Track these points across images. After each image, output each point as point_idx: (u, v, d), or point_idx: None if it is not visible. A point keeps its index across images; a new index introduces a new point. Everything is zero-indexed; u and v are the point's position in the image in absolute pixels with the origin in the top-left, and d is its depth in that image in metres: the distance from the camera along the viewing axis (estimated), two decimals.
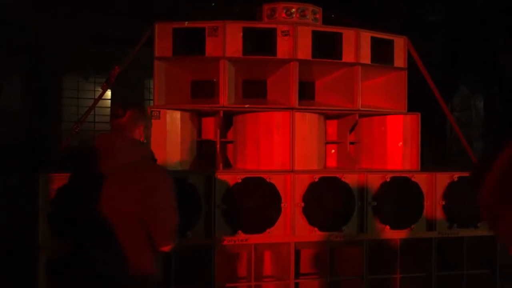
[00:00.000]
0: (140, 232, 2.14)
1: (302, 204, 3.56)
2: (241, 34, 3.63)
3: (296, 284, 3.63)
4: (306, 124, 3.86)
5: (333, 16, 4.01)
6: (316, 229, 3.57)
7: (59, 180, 3.25)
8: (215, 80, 3.77)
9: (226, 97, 3.65)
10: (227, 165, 4.09)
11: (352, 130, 4.19)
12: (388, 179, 3.70)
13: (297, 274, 3.65)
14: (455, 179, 3.83)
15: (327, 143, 4.26)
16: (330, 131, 4.38)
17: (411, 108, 4.04)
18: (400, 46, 4.00)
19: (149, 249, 2.17)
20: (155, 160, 2.32)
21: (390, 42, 3.97)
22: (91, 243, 2.18)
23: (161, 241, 2.16)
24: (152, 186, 2.13)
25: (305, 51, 3.70)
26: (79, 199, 2.19)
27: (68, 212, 2.25)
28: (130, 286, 2.19)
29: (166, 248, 2.18)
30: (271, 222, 3.51)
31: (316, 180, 3.57)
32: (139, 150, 2.23)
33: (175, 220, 2.18)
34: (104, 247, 2.15)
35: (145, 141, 2.35)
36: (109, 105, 13.50)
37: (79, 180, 2.22)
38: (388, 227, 3.70)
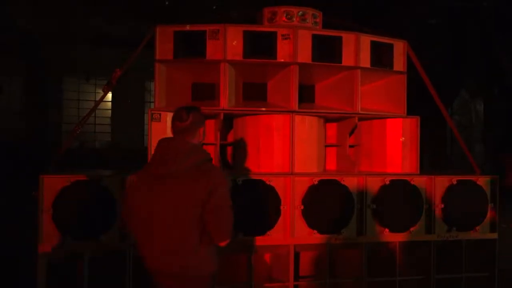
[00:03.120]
0: (199, 230, 2.29)
1: (302, 207, 3.57)
2: (241, 37, 3.65)
3: (296, 286, 3.64)
4: (306, 127, 3.88)
5: (333, 20, 4.02)
6: (315, 231, 3.58)
7: (60, 181, 3.28)
8: (215, 83, 3.78)
9: (226, 100, 3.67)
10: (227, 167, 4.10)
11: (351, 133, 4.21)
12: (387, 182, 3.71)
13: (297, 276, 3.66)
14: (454, 183, 3.84)
15: (326, 146, 4.28)
16: (330, 134, 4.40)
17: (411, 111, 4.05)
18: (400, 50, 4.02)
19: (207, 245, 2.33)
20: (211, 160, 2.47)
21: (390, 46, 3.99)
22: (154, 239, 2.31)
23: (219, 237, 2.32)
24: (212, 187, 2.28)
25: (305, 54, 3.72)
26: (145, 199, 2.32)
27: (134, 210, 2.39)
28: (190, 280, 2.33)
29: (224, 243, 2.34)
30: (271, 225, 3.53)
31: (316, 182, 3.59)
32: (199, 154, 2.38)
33: (231, 218, 2.36)
34: (166, 243, 2.29)
35: (203, 141, 2.54)
36: (110, 107, 13.55)
37: (145, 181, 2.35)
38: (387, 230, 3.71)
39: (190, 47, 3.68)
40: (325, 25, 4.02)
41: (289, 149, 3.72)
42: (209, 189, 2.26)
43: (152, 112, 3.64)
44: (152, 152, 2.43)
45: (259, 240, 3.51)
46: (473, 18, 9.42)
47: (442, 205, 3.82)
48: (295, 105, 3.73)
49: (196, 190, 2.26)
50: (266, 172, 3.68)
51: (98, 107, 4.18)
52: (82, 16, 10.15)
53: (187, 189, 2.27)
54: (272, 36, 3.70)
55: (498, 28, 9.09)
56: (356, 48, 3.83)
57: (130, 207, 2.39)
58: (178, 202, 2.26)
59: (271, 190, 3.53)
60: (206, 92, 3.96)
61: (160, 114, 3.65)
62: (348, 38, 3.82)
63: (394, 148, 4.04)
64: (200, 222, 2.28)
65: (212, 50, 3.66)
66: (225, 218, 2.32)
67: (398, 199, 3.74)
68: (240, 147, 3.95)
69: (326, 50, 3.77)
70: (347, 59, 3.82)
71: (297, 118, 3.77)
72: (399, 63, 4.01)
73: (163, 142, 2.42)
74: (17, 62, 10.91)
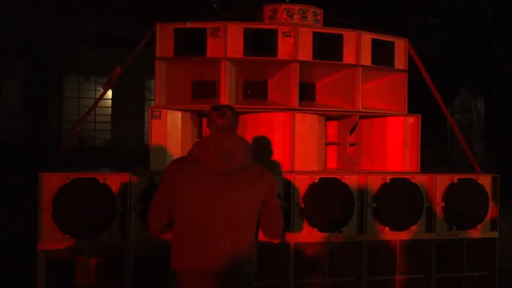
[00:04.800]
0: (255, 228, 2.37)
1: (302, 205, 3.56)
2: (242, 35, 3.64)
3: (296, 285, 3.63)
4: (307, 125, 3.87)
5: (333, 19, 4.01)
6: (315, 230, 3.58)
7: (59, 179, 3.27)
8: (216, 80, 3.77)
9: (227, 98, 3.66)
10: None
11: (352, 131, 4.20)
12: (388, 181, 3.71)
13: (297, 274, 3.65)
14: (455, 181, 3.83)
15: (327, 144, 4.27)
16: (331, 132, 4.39)
17: (412, 110, 4.04)
18: (401, 48, 4.01)
19: (255, 242, 2.39)
20: None
21: (391, 44, 3.98)
22: (213, 236, 2.28)
23: (275, 234, 2.44)
24: (272, 187, 2.39)
25: (306, 52, 3.71)
26: (206, 195, 2.29)
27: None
28: (240, 278, 2.33)
29: (278, 240, 2.48)
30: None
31: (316, 181, 3.58)
32: (252, 154, 2.40)
33: (282, 217, 2.48)
34: (227, 241, 2.28)
35: None
36: (110, 105, 13.54)
37: (204, 176, 2.30)
38: (387, 228, 3.70)
39: (191, 45, 3.67)
40: (326, 23, 4.01)
41: (289, 147, 3.72)
42: (271, 188, 2.37)
43: (153, 109, 3.63)
44: (192, 147, 2.39)
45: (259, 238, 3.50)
46: (473, 17, 9.42)
47: (443, 204, 3.81)
48: (295, 103, 3.72)
49: (261, 189, 2.33)
50: None
51: (98, 105, 4.17)
52: (82, 15, 10.14)
53: (252, 187, 2.31)
54: (272, 34, 3.69)
55: (498, 27, 9.08)
56: (357, 46, 3.82)
57: (182, 201, 2.28)
58: (243, 200, 2.29)
59: None
60: (207, 90, 3.94)
61: (160, 112, 3.64)
62: (349, 36, 3.81)
63: (394, 147, 4.03)
64: (257, 221, 2.36)
65: (212, 47, 3.65)
66: (280, 217, 2.44)
67: (399, 198, 3.73)
68: None
69: (327, 48, 3.77)
70: (348, 57, 3.81)
71: (298, 116, 3.76)
72: (400, 61, 4.00)
73: (217, 137, 2.33)
74: (17, 61, 10.89)
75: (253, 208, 2.32)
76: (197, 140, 2.45)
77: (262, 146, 3.79)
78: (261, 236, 2.44)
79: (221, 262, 2.24)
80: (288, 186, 3.56)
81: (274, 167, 3.73)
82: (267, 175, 2.40)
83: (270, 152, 3.79)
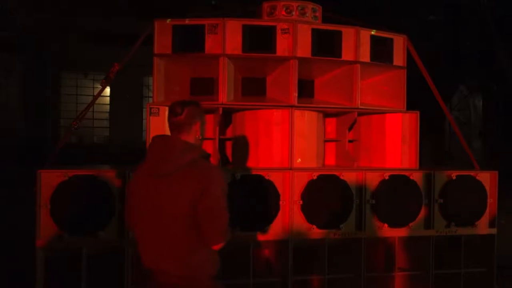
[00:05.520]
0: (194, 232, 2.19)
1: (301, 202, 3.56)
2: (240, 31, 3.62)
3: (295, 282, 3.63)
4: (305, 122, 3.86)
5: (332, 16, 4.00)
6: (314, 226, 3.58)
7: (57, 176, 3.26)
8: (214, 77, 3.76)
9: (225, 95, 3.65)
10: (226, 162, 4.09)
11: (351, 128, 4.20)
12: (386, 177, 3.71)
13: (295, 271, 3.65)
14: (454, 178, 3.84)
15: (326, 141, 4.27)
16: (329, 129, 4.38)
17: (410, 106, 4.04)
18: (400, 44, 4.00)
19: (203, 247, 2.25)
20: (209, 156, 2.39)
21: (390, 41, 3.97)
22: (152, 239, 2.25)
23: (212, 240, 2.22)
24: (204, 187, 2.17)
25: (304, 49, 3.70)
26: (142, 199, 2.27)
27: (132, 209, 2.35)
28: (188, 281, 2.23)
29: (217, 247, 2.24)
30: (270, 220, 3.52)
31: (315, 177, 3.58)
32: (194, 152, 2.28)
33: (225, 220, 2.23)
34: (160, 246, 2.22)
35: (201, 137, 2.41)
36: (108, 102, 13.53)
37: (141, 180, 2.29)
38: (386, 225, 3.71)
39: (189, 42, 3.65)
40: (325, 20, 4.00)
41: (288, 144, 3.71)
42: (201, 189, 2.15)
43: (151, 106, 3.62)
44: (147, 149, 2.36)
45: (258, 235, 3.50)
46: (472, 14, 9.41)
47: (441, 201, 3.81)
48: (294, 99, 3.71)
49: (187, 190, 2.16)
50: (265, 167, 3.67)
51: (96, 102, 4.16)
52: (80, 12, 10.10)
53: (180, 188, 2.17)
54: (271, 30, 3.68)
55: (497, 24, 9.07)
56: (356, 42, 3.81)
57: (130, 206, 2.35)
58: (172, 202, 2.18)
59: (270, 185, 3.52)
60: (205, 86, 3.93)
61: (158, 109, 3.64)
62: (348, 33, 3.80)
63: (393, 143, 4.03)
64: (196, 224, 2.18)
65: (211, 44, 3.63)
66: (217, 220, 2.20)
67: (397, 194, 3.73)
68: (239, 142, 3.94)
69: (326, 45, 3.75)
70: (347, 53, 3.80)
71: (296, 112, 3.75)
72: (399, 57, 3.99)
73: (156, 139, 2.33)
74: (14, 58, 10.86)
75: (184, 210, 2.16)
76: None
77: (260, 143, 3.79)
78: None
79: (163, 264, 2.22)
80: (287, 183, 3.56)
81: (273, 163, 3.73)
82: (201, 174, 2.20)
83: (269, 149, 3.79)
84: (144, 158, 2.34)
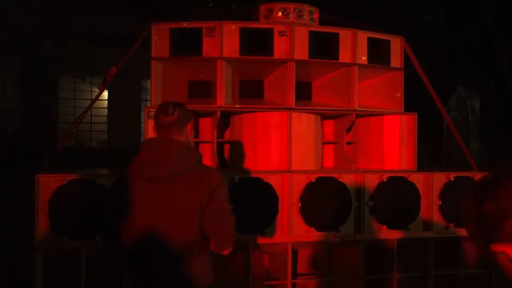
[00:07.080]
0: (198, 238, 2.16)
1: (299, 204, 3.56)
2: (238, 34, 3.62)
3: (293, 284, 3.63)
4: (303, 124, 3.87)
5: (330, 17, 4.01)
6: (313, 229, 3.58)
7: (55, 180, 3.25)
8: (212, 80, 3.76)
9: (223, 98, 3.65)
10: (224, 165, 4.09)
11: (349, 130, 4.20)
12: (385, 179, 3.71)
13: (294, 274, 3.65)
14: (452, 179, 3.84)
15: (324, 143, 4.27)
16: (327, 131, 4.39)
17: (408, 108, 4.04)
18: (397, 46, 4.01)
19: (206, 255, 2.21)
20: (201, 156, 2.34)
21: (387, 43, 3.98)
22: (149, 248, 2.17)
23: (221, 244, 2.17)
24: (212, 191, 2.14)
25: (302, 51, 3.70)
26: (140, 205, 2.18)
27: (122, 218, 2.24)
28: None
29: (226, 251, 2.19)
30: (268, 223, 3.51)
31: (313, 180, 3.58)
32: (193, 155, 2.24)
33: (233, 223, 2.21)
34: (162, 252, 2.15)
35: (190, 139, 2.38)
36: (106, 106, 13.51)
37: (138, 186, 2.19)
38: (385, 227, 3.71)
39: (186, 45, 3.65)
40: (322, 22, 4.01)
41: (286, 147, 3.71)
42: (209, 194, 2.12)
43: (149, 110, 3.62)
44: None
45: (257, 238, 3.50)
46: (470, 15, 9.43)
47: (440, 202, 3.82)
48: (292, 102, 3.71)
49: (194, 195, 2.11)
50: (263, 170, 3.67)
51: (94, 106, 4.15)
52: (77, 14, 10.09)
53: (186, 194, 2.12)
54: (268, 33, 3.68)
55: (495, 24, 9.09)
56: (353, 44, 3.81)
57: (124, 214, 2.20)
58: (175, 208, 2.12)
59: (268, 187, 3.51)
60: (203, 89, 3.93)
61: None
62: (345, 35, 3.81)
63: (391, 145, 4.03)
64: (200, 230, 2.14)
65: (208, 47, 3.63)
66: (226, 223, 2.18)
67: (396, 196, 3.73)
68: (237, 145, 3.94)
69: (323, 47, 3.75)
70: (344, 55, 3.81)
71: (294, 115, 3.76)
72: (396, 59, 4.00)
73: (151, 143, 2.25)
74: (12, 60, 10.83)
75: (189, 216, 2.11)
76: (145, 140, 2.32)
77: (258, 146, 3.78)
78: (212, 247, 2.21)
79: (163, 273, 2.15)
80: (285, 186, 3.55)
81: (271, 166, 3.73)
82: (207, 178, 2.16)
83: (267, 152, 3.79)
84: (134, 160, 2.24)
